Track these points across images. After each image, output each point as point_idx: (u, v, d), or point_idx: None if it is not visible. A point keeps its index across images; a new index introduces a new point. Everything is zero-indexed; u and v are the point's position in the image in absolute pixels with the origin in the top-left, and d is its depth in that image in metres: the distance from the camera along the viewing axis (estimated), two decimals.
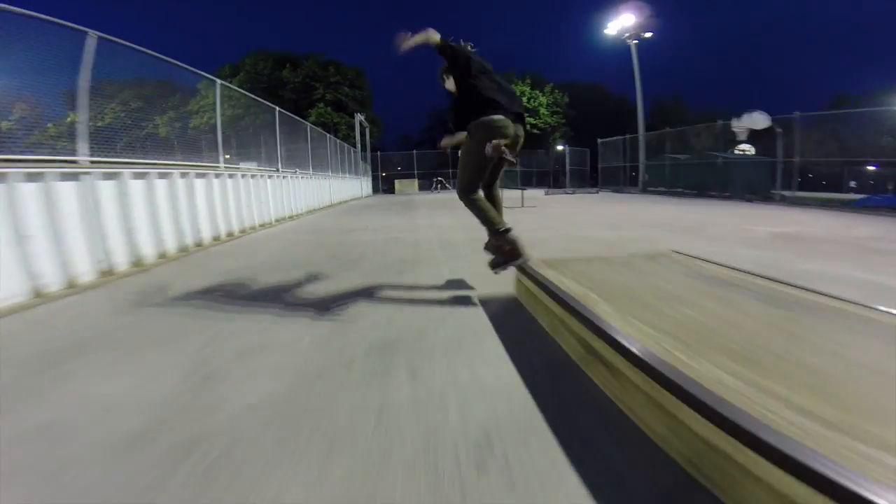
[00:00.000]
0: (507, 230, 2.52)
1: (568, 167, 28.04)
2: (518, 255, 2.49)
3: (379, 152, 28.66)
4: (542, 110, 30.68)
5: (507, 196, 8.76)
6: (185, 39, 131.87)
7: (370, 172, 24.57)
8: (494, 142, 2.32)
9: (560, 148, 31.10)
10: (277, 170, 9.32)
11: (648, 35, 21.95)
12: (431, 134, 41.64)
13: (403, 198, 18.94)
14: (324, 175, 14.12)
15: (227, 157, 6.50)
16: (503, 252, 2.53)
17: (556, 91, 31.96)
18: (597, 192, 19.17)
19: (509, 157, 2.36)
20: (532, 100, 30.62)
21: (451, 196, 17.58)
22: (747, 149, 14.02)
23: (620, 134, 22.24)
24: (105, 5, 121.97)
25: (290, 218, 9.48)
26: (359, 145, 20.68)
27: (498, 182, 2.88)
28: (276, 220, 8.47)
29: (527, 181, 30.67)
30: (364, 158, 24.95)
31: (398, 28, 2.63)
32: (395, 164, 29.51)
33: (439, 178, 24.41)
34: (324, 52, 32.61)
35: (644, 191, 19.42)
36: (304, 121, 12.33)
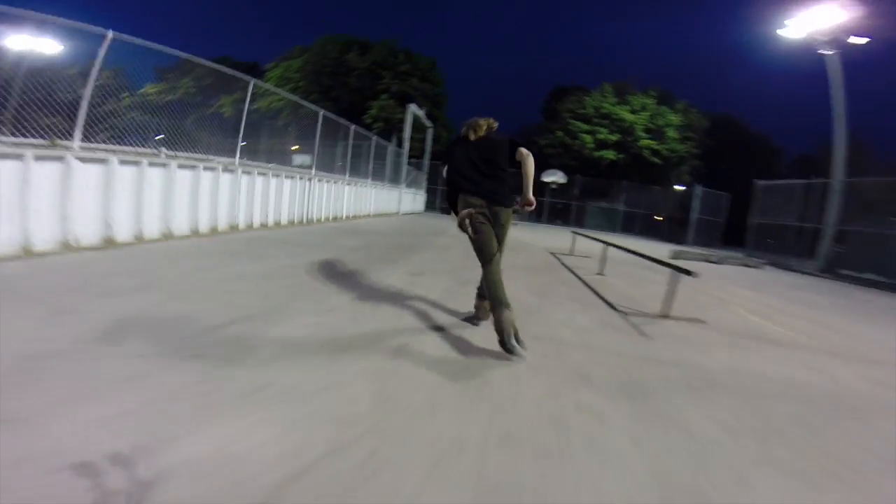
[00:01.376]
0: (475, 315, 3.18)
1: (695, 215, 20.78)
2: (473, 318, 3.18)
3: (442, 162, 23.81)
4: (671, 132, 23.71)
5: (582, 248, 8.63)
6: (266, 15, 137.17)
7: (423, 183, 19.75)
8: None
9: (678, 188, 23.69)
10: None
11: (858, 41, 14.27)
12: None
13: (447, 226, 13.84)
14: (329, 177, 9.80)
15: None
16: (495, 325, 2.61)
17: (692, 111, 24.76)
18: (759, 268, 12.06)
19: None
20: (657, 118, 23.81)
21: (529, 236, 12.19)
22: None
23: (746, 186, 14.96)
24: None
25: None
26: (407, 145, 16.01)
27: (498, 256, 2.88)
28: None
29: (627, 226, 23.63)
30: (418, 166, 20.27)
31: None
32: None
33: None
34: (398, 39, 28.07)
35: (828, 270, 12.04)
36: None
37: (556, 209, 25.12)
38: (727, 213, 23.02)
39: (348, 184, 12.18)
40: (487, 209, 2.77)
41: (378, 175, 15.48)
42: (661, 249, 14.05)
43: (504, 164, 2.83)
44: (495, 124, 2.95)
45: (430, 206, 23.86)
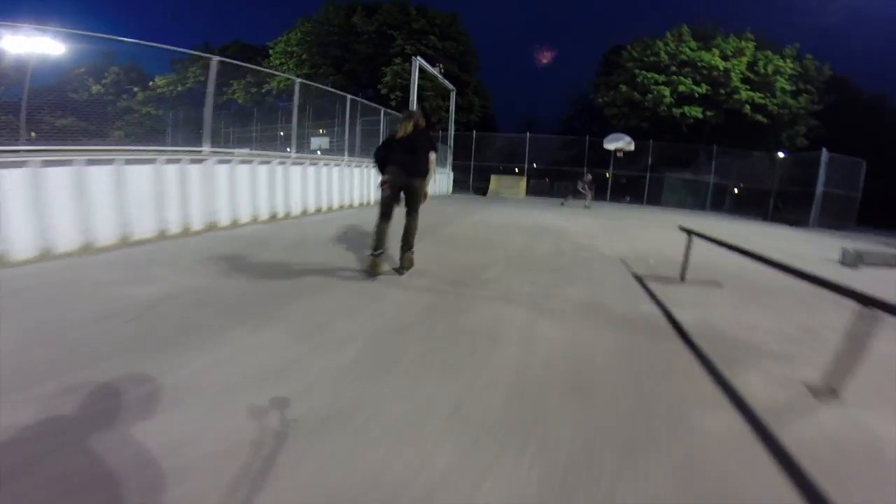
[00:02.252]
0: (373, 256, 3.84)
1: (820, 188, 15.23)
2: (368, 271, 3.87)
3: (474, 132, 19.46)
4: (781, 81, 17.80)
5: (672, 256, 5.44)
6: None
7: (448, 159, 15.69)
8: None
9: (780, 155, 17.91)
10: None
11: None
12: (573, 125, 30.92)
13: (475, 210, 10.69)
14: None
15: None
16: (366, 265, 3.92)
17: (806, 58, 18.54)
18: None
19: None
20: (761, 64, 18.00)
21: (587, 224, 8.97)
22: None
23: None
24: None
25: None
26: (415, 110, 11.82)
27: (414, 220, 4.04)
28: None
29: (717, 202, 18.22)
30: (441, 139, 16.19)
31: None
32: (499, 151, 19.97)
33: (585, 181, 13.80)
34: None
35: None
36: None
37: (622, 184, 19.97)
38: (862, 185, 17.12)
39: (350, 165, 9.97)
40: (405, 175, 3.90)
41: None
42: (803, 244, 9.11)
43: (423, 150, 3.96)
44: (422, 121, 4.06)
45: (460, 186, 19.72)
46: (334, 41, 24.14)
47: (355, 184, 10.17)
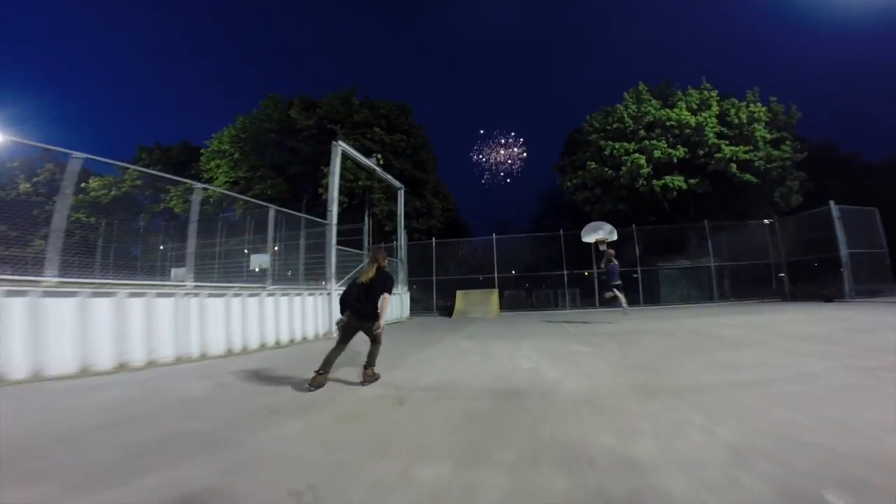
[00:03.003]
0: (317, 373, 4.38)
1: (845, 250, 12.75)
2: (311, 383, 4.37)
3: (434, 240, 17.03)
4: (760, 130, 16.26)
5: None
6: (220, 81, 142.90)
7: (401, 276, 12.97)
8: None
9: (766, 222, 15.84)
10: None
11: None
12: (545, 222, 29.54)
13: (418, 349, 6.70)
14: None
15: None
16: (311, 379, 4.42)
17: (773, 102, 17.53)
18: None
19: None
20: (732, 113, 16.66)
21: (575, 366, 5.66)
22: None
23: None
24: (127, 70, 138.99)
25: None
26: (334, 211, 9.45)
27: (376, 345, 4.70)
28: None
29: (723, 290, 15.51)
30: (389, 251, 13.49)
31: None
32: (464, 260, 17.41)
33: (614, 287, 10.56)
34: (356, 88, 23.25)
35: None
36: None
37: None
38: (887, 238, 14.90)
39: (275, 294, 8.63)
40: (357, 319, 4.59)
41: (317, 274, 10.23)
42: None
43: (377, 294, 4.60)
44: (384, 262, 4.79)
45: (420, 306, 16.65)
46: (272, 139, 22.58)
47: (282, 315, 8.42)
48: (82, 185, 23.76)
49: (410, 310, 16.45)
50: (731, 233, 16.95)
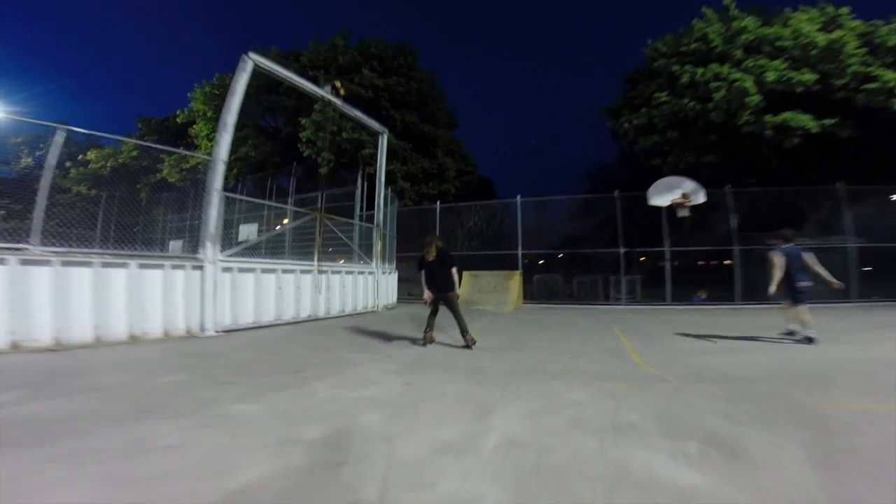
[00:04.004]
0: (426, 333, 5.66)
1: None
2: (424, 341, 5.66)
3: (438, 204, 12.78)
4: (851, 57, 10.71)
5: None
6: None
7: (375, 250, 8.83)
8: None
9: None
10: None
11: None
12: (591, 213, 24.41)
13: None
14: None
15: None
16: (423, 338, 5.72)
17: None
18: None
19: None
20: (883, 34, 11.09)
21: None
22: None
23: None
24: None
25: None
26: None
27: (459, 316, 5.52)
28: None
29: (866, 286, 10.10)
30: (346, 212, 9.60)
31: None
32: (477, 232, 12.96)
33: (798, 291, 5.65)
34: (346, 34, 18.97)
35: None
36: None
37: (685, 271, 12.12)
38: None
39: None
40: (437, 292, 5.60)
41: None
42: None
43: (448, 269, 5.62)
44: (440, 243, 5.71)
45: (402, 289, 12.49)
46: (251, 95, 18.69)
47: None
48: (79, 157, 23.57)
49: (403, 294, 12.32)
50: (878, 203, 11.49)
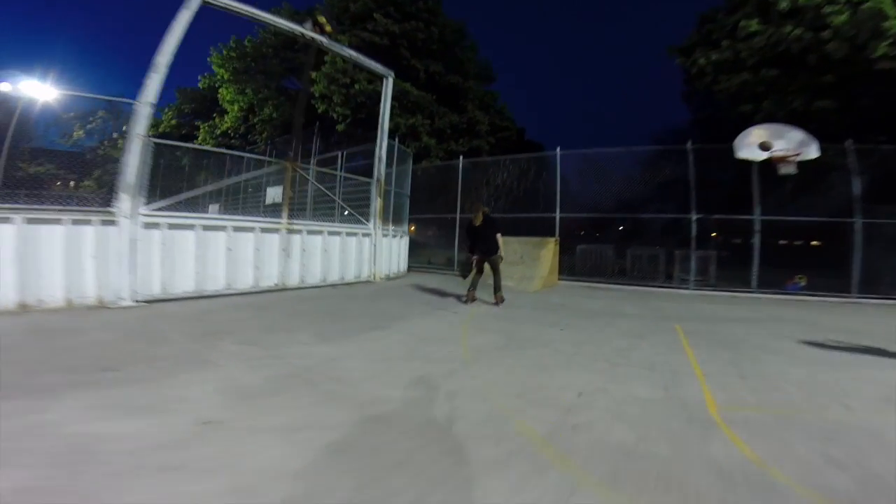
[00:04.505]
0: (469, 291, 6.28)
1: None
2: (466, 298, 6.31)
3: (461, 158, 10.85)
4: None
5: None
6: None
7: (374, 207, 7.13)
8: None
9: None
10: None
11: None
12: (654, 170, 21.12)
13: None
14: None
15: None
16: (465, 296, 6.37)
17: None
18: None
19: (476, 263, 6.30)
20: None
21: None
22: None
23: None
24: None
25: None
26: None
27: (498, 275, 6.20)
28: None
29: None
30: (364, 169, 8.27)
31: None
32: (505, 190, 10.90)
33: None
34: None
35: None
36: None
37: (778, 249, 9.45)
38: None
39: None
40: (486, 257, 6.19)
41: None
42: None
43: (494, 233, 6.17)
44: (487, 209, 6.40)
45: (434, 257, 10.75)
46: (268, 55, 17.98)
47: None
48: (123, 128, 24.55)
49: (416, 262, 10.62)
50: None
